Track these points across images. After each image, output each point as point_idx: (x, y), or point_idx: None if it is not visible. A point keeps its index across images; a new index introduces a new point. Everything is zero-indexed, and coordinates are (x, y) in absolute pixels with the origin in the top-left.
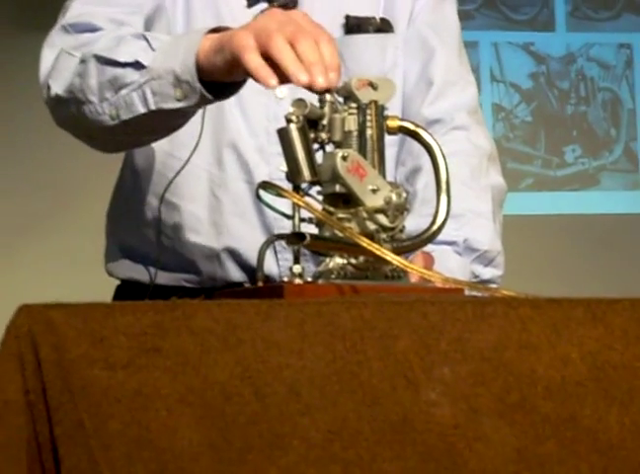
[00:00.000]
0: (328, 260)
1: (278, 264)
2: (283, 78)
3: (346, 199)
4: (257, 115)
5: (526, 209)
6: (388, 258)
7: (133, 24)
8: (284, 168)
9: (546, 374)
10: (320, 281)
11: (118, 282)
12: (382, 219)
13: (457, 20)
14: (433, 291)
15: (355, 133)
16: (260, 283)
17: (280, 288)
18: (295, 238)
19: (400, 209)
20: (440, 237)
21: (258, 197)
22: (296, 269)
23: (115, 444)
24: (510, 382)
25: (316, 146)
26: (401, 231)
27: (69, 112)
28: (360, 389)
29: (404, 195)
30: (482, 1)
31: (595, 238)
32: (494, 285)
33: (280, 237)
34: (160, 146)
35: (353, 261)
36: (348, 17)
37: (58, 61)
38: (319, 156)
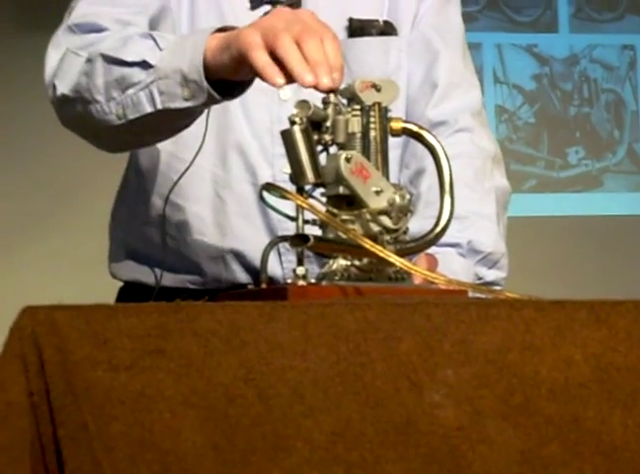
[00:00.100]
0: (332, 261)
1: (281, 265)
2: (289, 78)
3: (349, 201)
4: (260, 116)
5: (530, 211)
6: (392, 260)
7: (139, 24)
8: (288, 170)
9: (550, 376)
10: (324, 283)
11: (119, 282)
12: (386, 221)
13: (461, 22)
14: (436, 293)
15: (358, 135)
16: (263, 285)
17: (283, 290)
18: (299, 240)
19: (404, 211)
20: (444, 239)
21: (261, 198)
22: (300, 270)
23: (118, 446)
24: (513, 384)
25: (320, 148)
26: (405, 233)
27: (75, 111)
28: (363, 391)
29: (408, 196)
30: (485, 3)
31: (598, 240)
32: (498, 287)
33: (284, 239)
34: (164, 147)
35: (356, 262)
36: (351, 19)
37: (64, 61)
38: (323, 158)
